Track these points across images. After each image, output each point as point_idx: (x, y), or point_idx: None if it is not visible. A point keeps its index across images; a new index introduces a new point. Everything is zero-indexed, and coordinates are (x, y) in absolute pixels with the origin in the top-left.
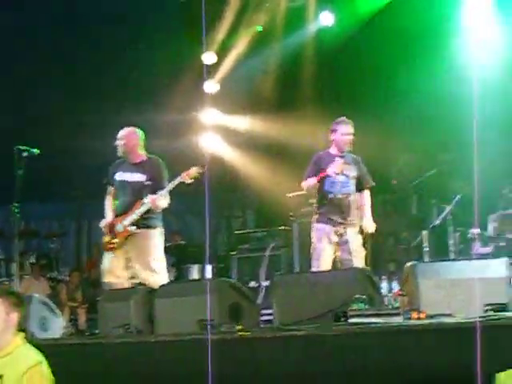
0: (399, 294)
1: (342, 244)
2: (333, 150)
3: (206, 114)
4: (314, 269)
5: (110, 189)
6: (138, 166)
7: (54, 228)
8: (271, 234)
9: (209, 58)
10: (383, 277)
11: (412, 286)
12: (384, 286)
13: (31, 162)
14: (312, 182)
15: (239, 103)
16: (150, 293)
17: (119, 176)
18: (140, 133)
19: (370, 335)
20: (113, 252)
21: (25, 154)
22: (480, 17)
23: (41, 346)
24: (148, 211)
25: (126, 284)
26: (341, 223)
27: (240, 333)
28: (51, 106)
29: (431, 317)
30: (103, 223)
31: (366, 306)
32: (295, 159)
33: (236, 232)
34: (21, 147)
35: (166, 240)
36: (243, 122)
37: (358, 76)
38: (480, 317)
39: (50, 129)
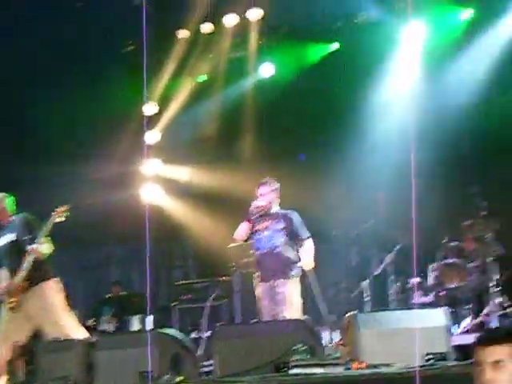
0: (340, 344)
1: (275, 295)
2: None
3: (146, 165)
4: None
5: None
6: (7, 228)
7: None
8: (212, 284)
9: (150, 108)
10: (324, 327)
11: (352, 336)
12: (325, 336)
13: None
14: (240, 229)
15: (180, 153)
16: (90, 344)
17: None
18: (8, 198)
19: None
20: (13, 311)
21: None
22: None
23: None
24: (37, 263)
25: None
26: (272, 276)
27: None
28: None
29: (372, 367)
30: (2, 286)
31: (307, 357)
32: (236, 209)
33: (177, 282)
34: None
35: (107, 291)
36: (184, 172)
37: (297, 126)
38: (420, 366)
39: None
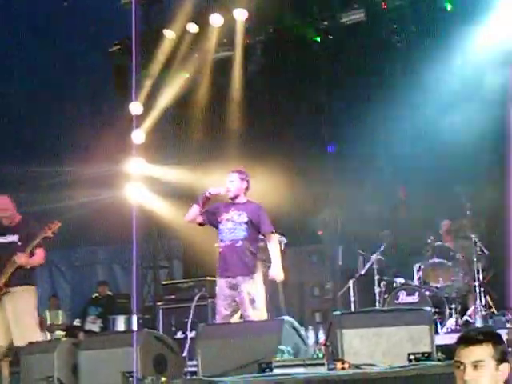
0: (324, 345)
1: (237, 295)
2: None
3: (132, 164)
4: None
5: None
6: (10, 228)
7: None
8: (198, 284)
9: (135, 108)
10: (309, 327)
11: (336, 336)
12: (310, 336)
13: None
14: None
15: (165, 152)
16: (74, 345)
17: None
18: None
19: None
20: None
21: None
22: None
23: None
24: (19, 269)
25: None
26: (232, 272)
27: None
28: None
29: (355, 367)
30: None
31: (291, 357)
32: None
33: (163, 283)
34: None
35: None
36: (169, 172)
37: (283, 122)
38: (403, 366)
39: None
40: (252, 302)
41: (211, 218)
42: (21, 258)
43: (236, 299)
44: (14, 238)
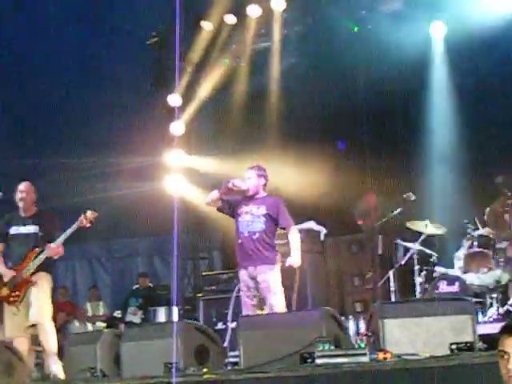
0: (365, 335)
1: (257, 284)
2: None
3: (172, 156)
4: None
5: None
6: (30, 219)
7: None
8: (237, 275)
9: (174, 99)
10: (350, 317)
11: (378, 326)
12: (351, 326)
13: None
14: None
15: (204, 144)
16: (116, 336)
17: (14, 230)
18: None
19: (337, 376)
20: (16, 307)
21: None
22: None
23: None
24: (45, 259)
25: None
26: (251, 263)
27: (205, 375)
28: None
29: (397, 356)
30: (8, 276)
31: (333, 347)
32: None
33: (203, 274)
34: None
35: (134, 282)
36: (208, 163)
37: (322, 112)
38: (445, 356)
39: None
40: (272, 291)
41: (229, 209)
42: (52, 250)
43: (258, 289)
44: (36, 228)
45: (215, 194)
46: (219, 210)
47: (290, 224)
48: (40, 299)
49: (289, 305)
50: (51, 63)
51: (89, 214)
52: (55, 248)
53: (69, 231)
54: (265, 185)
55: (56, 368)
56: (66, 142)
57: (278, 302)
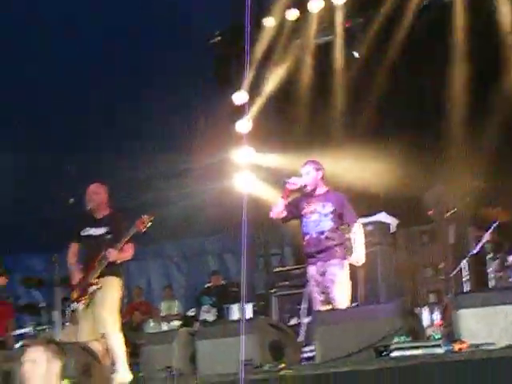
0: (440, 325)
1: (324, 279)
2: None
3: (239, 154)
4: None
5: (74, 245)
6: (101, 221)
7: None
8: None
9: (239, 97)
10: (424, 308)
11: (453, 317)
12: (425, 317)
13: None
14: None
15: (271, 140)
16: (191, 334)
17: (86, 231)
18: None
19: (413, 368)
20: (86, 308)
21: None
22: None
23: None
24: (109, 263)
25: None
26: (320, 259)
27: (282, 371)
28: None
29: (474, 347)
30: (76, 279)
31: (408, 339)
32: None
33: (275, 270)
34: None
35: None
36: (276, 159)
37: (388, 107)
38: None
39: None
40: (337, 283)
41: (294, 211)
42: (112, 254)
43: (326, 284)
44: (104, 230)
45: (279, 204)
46: (284, 220)
47: (354, 220)
48: (105, 306)
49: (354, 300)
50: (120, 66)
51: (145, 217)
52: (114, 252)
53: (125, 237)
54: (322, 178)
55: (122, 375)
56: (135, 143)
57: (341, 296)
